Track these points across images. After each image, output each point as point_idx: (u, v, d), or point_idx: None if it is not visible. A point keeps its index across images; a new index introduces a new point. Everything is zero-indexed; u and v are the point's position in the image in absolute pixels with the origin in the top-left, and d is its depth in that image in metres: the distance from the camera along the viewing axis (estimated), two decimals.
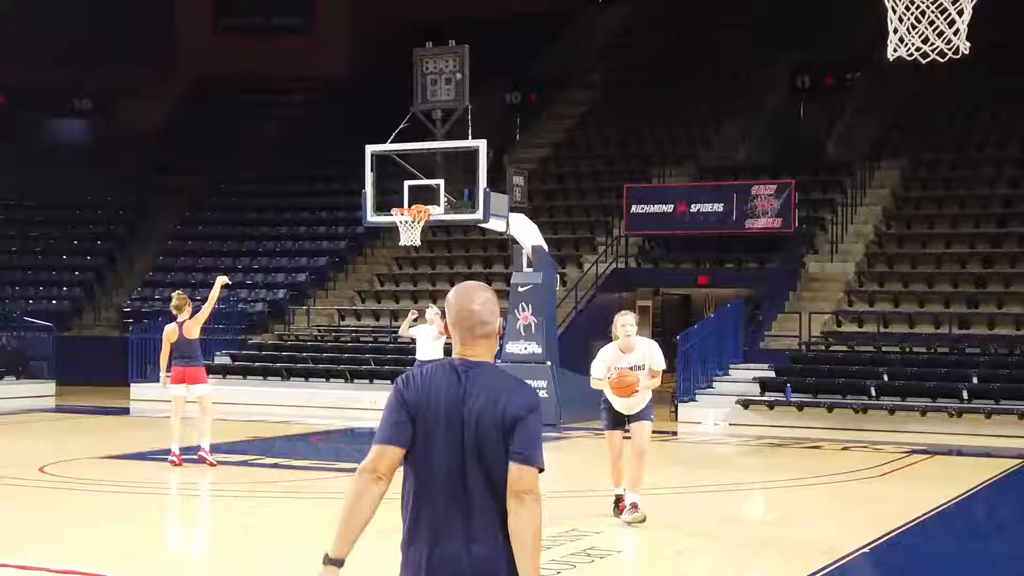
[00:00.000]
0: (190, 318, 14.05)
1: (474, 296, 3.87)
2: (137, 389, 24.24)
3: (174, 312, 14.15)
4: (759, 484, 14.45)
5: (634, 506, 10.30)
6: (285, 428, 19.63)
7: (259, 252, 30.93)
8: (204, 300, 14.65)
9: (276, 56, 37.04)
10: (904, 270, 23.90)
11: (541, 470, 3.77)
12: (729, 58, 33.02)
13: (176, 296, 14.32)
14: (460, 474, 3.74)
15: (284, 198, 33.01)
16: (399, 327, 17.85)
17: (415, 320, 16.89)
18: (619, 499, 10.45)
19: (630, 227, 25.68)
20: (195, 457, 14.07)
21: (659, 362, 10.12)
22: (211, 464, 13.94)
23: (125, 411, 22.78)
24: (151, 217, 33.42)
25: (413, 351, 18.02)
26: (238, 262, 30.57)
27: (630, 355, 10.02)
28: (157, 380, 23.67)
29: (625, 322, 9.91)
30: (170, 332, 14.11)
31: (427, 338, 16.47)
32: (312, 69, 37.29)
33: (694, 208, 25.10)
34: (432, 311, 16.55)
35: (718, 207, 24.89)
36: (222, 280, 14.55)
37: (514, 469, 3.71)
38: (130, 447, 16.55)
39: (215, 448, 14.42)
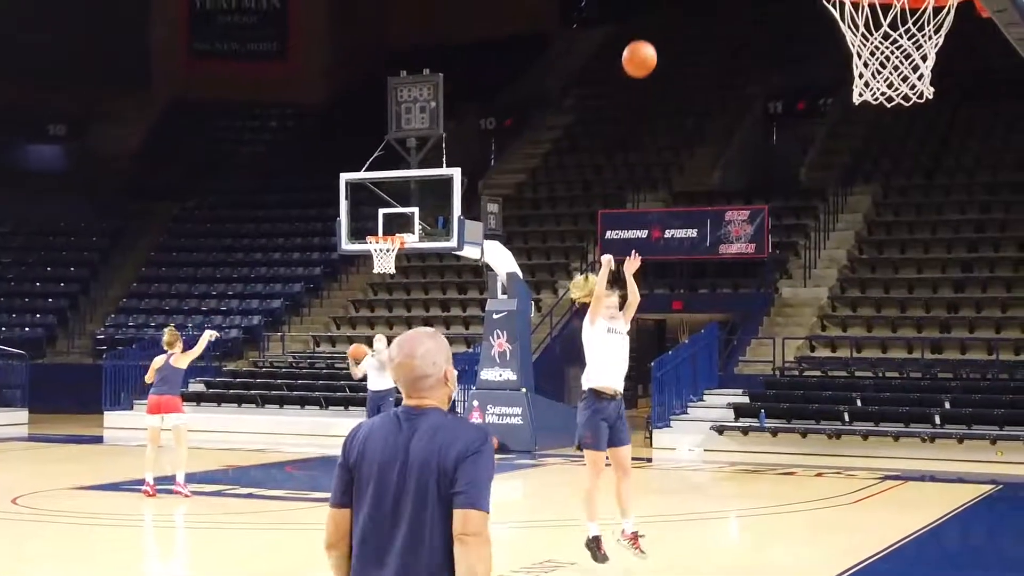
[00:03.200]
0: (180, 353, 14.18)
1: (415, 348, 3.78)
2: (111, 417, 24.13)
3: (165, 347, 14.24)
4: (734, 512, 14.49)
5: (635, 537, 9.86)
6: (260, 456, 19.56)
7: (233, 278, 30.88)
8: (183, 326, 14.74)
9: (251, 81, 37.08)
10: (877, 295, 24.06)
11: (487, 513, 3.64)
12: (702, 83, 33.22)
13: (168, 332, 14.47)
14: (400, 523, 3.64)
15: (258, 224, 32.98)
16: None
17: (356, 364, 17.12)
18: (598, 540, 9.69)
19: (604, 253, 25.73)
20: (170, 488, 14.01)
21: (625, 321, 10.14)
22: (185, 496, 13.89)
23: (99, 439, 22.66)
24: (125, 243, 33.32)
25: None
26: (212, 288, 30.51)
27: (615, 323, 10.02)
28: (130, 408, 23.81)
29: (610, 304, 10.00)
30: (158, 359, 14.21)
31: (373, 369, 16.78)
32: (287, 95, 37.35)
33: (668, 234, 25.22)
34: (382, 342, 16.99)
35: (692, 233, 25.02)
36: (211, 334, 14.91)
37: (458, 514, 3.59)
38: (104, 477, 16.47)
39: (190, 477, 14.37)
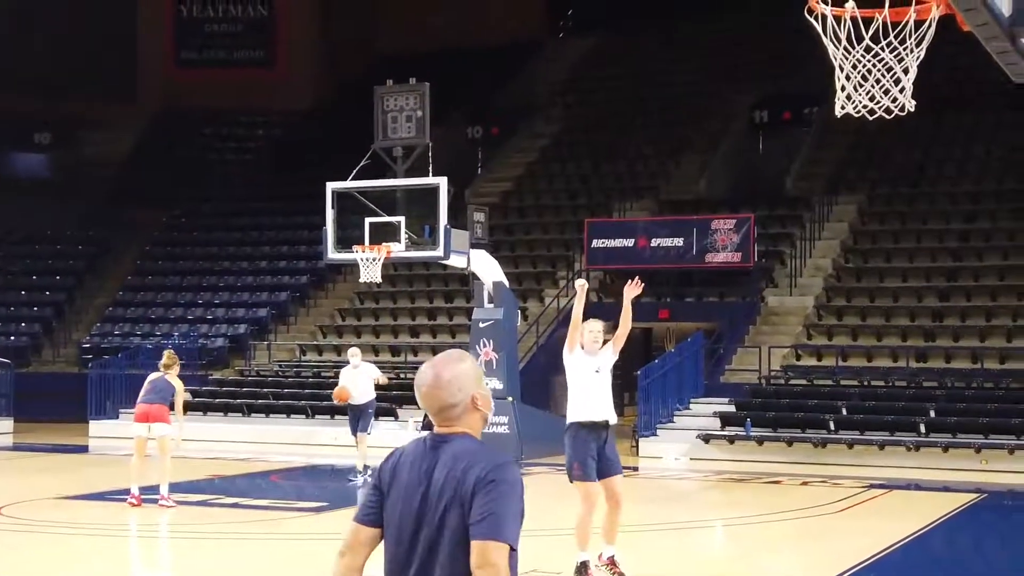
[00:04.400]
0: (175, 376, 14.29)
1: (439, 377, 3.71)
2: (96, 426, 24.05)
3: (162, 369, 14.27)
4: (720, 520, 14.51)
5: (613, 561, 9.80)
6: (245, 466, 19.53)
7: (220, 287, 30.83)
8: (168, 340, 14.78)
9: (238, 90, 37.05)
10: (862, 304, 24.13)
11: (511, 548, 3.52)
12: (689, 92, 33.31)
13: (166, 355, 14.62)
14: (418, 549, 3.62)
15: (245, 232, 32.94)
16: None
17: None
18: (586, 565, 9.66)
19: (591, 261, 25.81)
20: (155, 498, 13.98)
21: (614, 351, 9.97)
22: (169, 507, 13.87)
23: (84, 449, 22.60)
24: (111, 251, 33.25)
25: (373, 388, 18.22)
26: (199, 296, 30.47)
27: (595, 358, 9.87)
28: (116, 417, 23.74)
29: (593, 328, 9.86)
30: (154, 375, 14.30)
31: (350, 383, 16.98)
32: (275, 103, 37.33)
33: (654, 242, 25.27)
34: (357, 356, 17.16)
35: (678, 241, 25.06)
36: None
37: (474, 546, 3.50)
38: (89, 487, 16.43)
39: (175, 487, 14.36)
